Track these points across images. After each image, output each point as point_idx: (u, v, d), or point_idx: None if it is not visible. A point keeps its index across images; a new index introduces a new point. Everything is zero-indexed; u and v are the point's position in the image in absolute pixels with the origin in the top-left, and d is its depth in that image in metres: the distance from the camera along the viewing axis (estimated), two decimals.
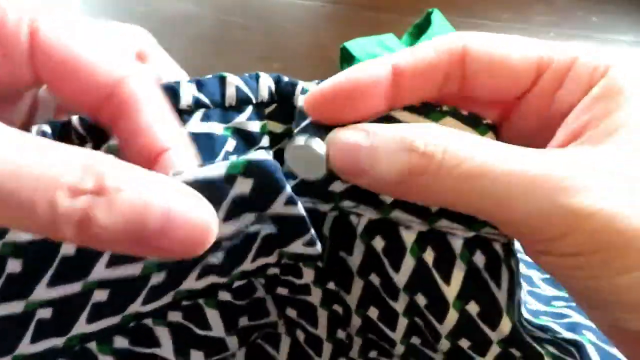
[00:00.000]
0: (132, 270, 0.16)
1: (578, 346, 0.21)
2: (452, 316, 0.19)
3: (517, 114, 0.18)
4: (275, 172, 0.15)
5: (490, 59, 0.17)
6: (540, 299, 0.26)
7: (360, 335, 0.22)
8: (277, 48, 0.55)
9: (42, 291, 0.16)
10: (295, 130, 0.18)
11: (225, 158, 0.20)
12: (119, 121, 0.16)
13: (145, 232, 0.12)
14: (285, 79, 0.21)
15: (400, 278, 0.19)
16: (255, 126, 0.21)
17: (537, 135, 0.18)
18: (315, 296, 0.20)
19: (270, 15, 0.60)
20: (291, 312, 0.21)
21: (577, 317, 0.24)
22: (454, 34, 0.18)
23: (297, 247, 0.18)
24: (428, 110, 0.18)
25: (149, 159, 0.16)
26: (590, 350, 0.21)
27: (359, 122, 0.17)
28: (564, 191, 0.14)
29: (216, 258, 0.17)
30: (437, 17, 0.51)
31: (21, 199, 0.11)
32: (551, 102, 0.17)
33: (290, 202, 0.16)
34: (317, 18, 0.61)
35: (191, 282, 0.18)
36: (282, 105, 0.21)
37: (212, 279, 0.18)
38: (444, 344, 0.20)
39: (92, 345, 0.18)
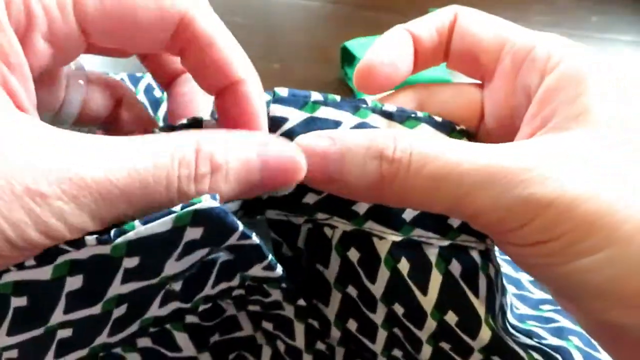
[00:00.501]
0: (91, 311, 0.16)
1: (563, 352, 0.21)
2: (431, 324, 0.19)
3: (490, 107, 0.20)
4: (226, 218, 0.15)
5: (469, 35, 0.20)
6: (528, 302, 0.26)
7: (342, 345, 0.22)
8: (277, 48, 0.55)
9: (2, 339, 0.16)
10: None
11: None
12: (190, 55, 0.17)
13: (255, 184, 0.16)
14: None
15: (377, 289, 0.19)
16: None
17: (507, 133, 0.18)
18: (288, 311, 0.20)
19: (270, 15, 0.60)
20: (267, 325, 0.21)
21: (564, 322, 0.24)
22: (448, 8, 0.21)
23: (257, 271, 0.18)
24: (403, 117, 0.18)
25: (224, 88, 0.17)
26: (576, 356, 0.21)
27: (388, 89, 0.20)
28: (522, 183, 0.15)
29: (176, 285, 0.17)
30: None
31: (154, 197, 0.14)
32: (514, 87, 0.18)
33: (243, 237, 0.16)
34: (317, 18, 0.61)
35: (155, 310, 0.18)
36: None
37: (176, 304, 0.18)
38: (425, 353, 0.20)
39: None
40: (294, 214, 0.19)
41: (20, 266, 0.15)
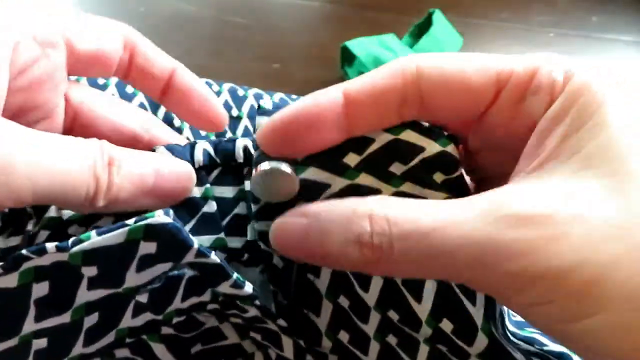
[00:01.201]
0: (61, 319, 0.17)
1: (566, 358, 0.21)
2: (426, 331, 0.19)
3: (483, 127, 0.18)
4: (179, 234, 0.15)
5: (445, 77, 0.17)
6: None
7: (335, 354, 0.22)
8: (277, 48, 0.55)
9: None
10: (255, 156, 0.18)
11: None
12: (133, 63, 0.22)
13: (146, 187, 0.18)
14: (224, 139, 0.21)
15: (370, 297, 0.19)
16: (195, 192, 0.20)
17: (506, 144, 0.18)
18: (272, 325, 0.20)
19: (270, 15, 0.60)
20: (255, 336, 0.21)
21: None
22: (404, 57, 0.17)
23: (225, 288, 0.18)
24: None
25: (167, 78, 0.22)
26: None
27: (314, 152, 0.17)
28: (513, 258, 0.14)
29: (142, 298, 0.18)
30: (438, 17, 0.51)
31: (73, 178, 0.16)
32: (516, 115, 0.17)
33: (201, 255, 0.16)
34: (317, 18, 0.61)
35: (128, 321, 0.18)
36: (225, 167, 0.20)
37: (148, 316, 0.18)
38: (422, 355, 0.20)
39: None
40: None
41: None
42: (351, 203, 0.16)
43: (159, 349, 0.19)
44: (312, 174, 0.18)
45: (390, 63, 0.17)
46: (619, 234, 0.14)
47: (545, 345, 0.21)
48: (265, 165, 0.17)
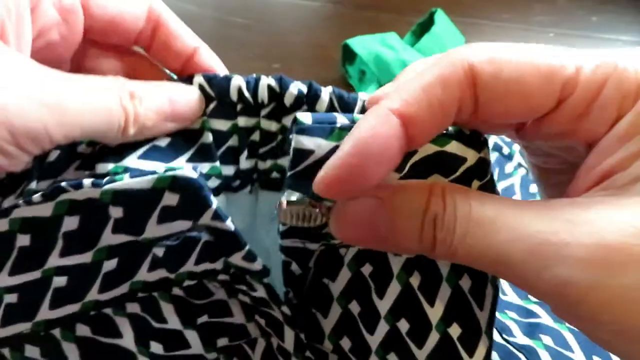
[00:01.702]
0: (83, 259, 0.18)
1: (528, 350, 0.21)
2: (433, 339, 0.19)
3: (537, 131, 0.17)
4: (201, 191, 0.17)
5: (503, 84, 0.15)
6: (518, 290, 0.26)
7: (335, 354, 0.21)
8: (277, 48, 0.55)
9: (5, 279, 0.18)
10: (289, 173, 0.18)
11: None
12: (156, 36, 0.22)
13: (165, 113, 0.19)
14: (219, 75, 0.21)
15: (384, 304, 0.19)
16: (194, 123, 0.21)
17: (561, 152, 0.17)
18: (277, 313, 0.20)
19: (270, 15, 0.60)
20: (260, 320, 0.21)
21: (544, 318, 0.24)
22: (459, 54, 0.15)
23: (237, 260, 0.18)
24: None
25: (188, 56, 0.22)
26: (543, 355, 0.21)
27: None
28: (563, 261, 0.14)
29: (159, 251, 0.18)
30: (440, 16, 0.51)
31: (109, 112, 0.17)
32: (576, 129, 0.15)
33: (216, 217, 0.17)
34: (317, 18, 0.61)
35: (144, 274, 0.19)
36: (220, 102, 0.21)
37: (162, 273, 0.19)
38: None
39: (57, 332, 0.19)
40: (311, 241, 0.19)
41: (29, 202, 0.17)
42: (425, 185, 0.16)
43: (167, 309, 0.20)
44: None
45: (439, 64, 0.15)
46: None
47: (514, 336, 0.22)
48: (292, 195, 0.17)
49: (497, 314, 0.22)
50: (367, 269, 0.19)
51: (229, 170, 0.21)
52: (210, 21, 0.58)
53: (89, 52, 0.22)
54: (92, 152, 0.19)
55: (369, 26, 0.56)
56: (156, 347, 0.20)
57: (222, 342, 0.21)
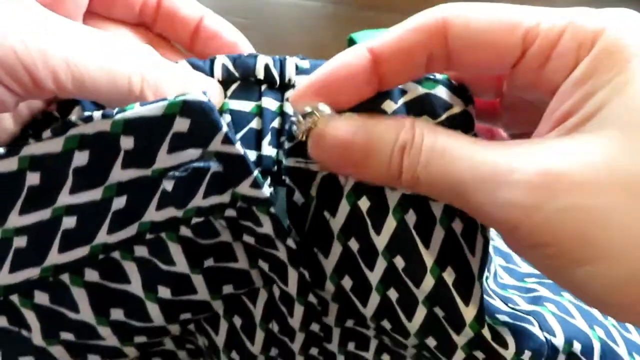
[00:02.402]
0: (93, 195, 0.18)
1: (535, 315, 0.21)
2: (429, 283, 0.19)
3: (512, 85, 0.18)
4: (211, 114, 0.17)
5: (472, 34, 0.16)
6: (514, 274, 0.26)
7: (336, 301, 0.22)
8: (277, 48, 0.55)
9: (15, 218, 0.17)
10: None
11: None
12: (160, 7, 0.22)
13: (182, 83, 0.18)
14: (245, 54, 0.21)
15: (381, 240, 0.19)
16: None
17: (533, 103, 0.18)
18: (282, 252, 0.20)
19: (270, 15, 0.60)
20: (263, 265, 0.21)
21: (543, 292, 0.24)
22: (433, 8, 0.17)
23: (245, 188, 0.18)
24: (422, 79, 0.19)
25: (195, 24, 0.22)
26: (550, 320, 0.22)
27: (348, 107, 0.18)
28: (508, 185, 0.15)
29: (169, 185, 0.18)
30: None
31: (120, 76, 0.17)
32: (539, 78, 0.17)
33: (226, 141, 0.17)
34: (317, 18, 0.61)
35: (152, 213, 0.19)
36: (244, 82, 0.21)
37: (171, 211, 0.19)
38: (418, 319, 0.20)
39: (65, 278, 0.19)
40: (313, 162, 0.19)
41: (38, 138, 0.17)
42: (400, 118, 0.18)
43: (175, 249, 0.20)
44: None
45: (416, 16, 0.17)
46: (626, 183, 0.14)
47: (518, 305, 0.22)
48: (308, 108, 0.18)
49: (499, 290, 0.22)
50: (364, 204, 0.19)
51: (250, 154, 0.20)
52: None
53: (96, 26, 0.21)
54: None
55: (368, 26, 0.56)
56: (164, 292, 0.20)
57: (227, 289, 0.21)
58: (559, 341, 0.21)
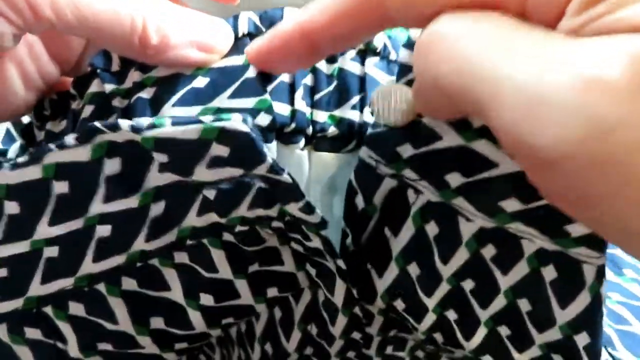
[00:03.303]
0: (130, 203, 0.17)
1: None
2: (500, 302, 0.18)
3: None
4: (254, 145, 0.15)
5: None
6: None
7: (382, 315, 0.21)
8: None
9: (44, 229, 0.17)
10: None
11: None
12: None
13: (193, 36, 0.17)
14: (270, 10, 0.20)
15: (448, 269, 0.18)
16: (237, 60, 0.19)
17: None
18: (331, 264, 0.18)
19: None
20: (311, 270, 0.20)
21: (635, 325, 0.22)
22: None
23: (293, 209, 0.17)
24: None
25: None
26: None
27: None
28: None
29: (210, 194, 0.17)
30: None
31: (124, 26, 0.16)
32: None
33: (273, 171, 0.16)
34: None
35: (192, 219, 0.18)
36: None
37: (213, 217, 0.18)
38: (478, 337, 0.19)
39: (101, 287, 0.18)
40: (383, 162, 0.18)
41: (62, 145, 0.15)
42: None
43: (218, 255, 0.19)
44: (428, 118, 0.16)
45: None
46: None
47: (616, 349, 0.21)
48: (389, 82, 0.17)
49: None
50: (432, 229, 0.18)
51: (282, 108, 0.18)
52: None
53: None
54: (128, 105, 0.18)
55: None
56: (206, 299, 0.19)
57: (272, 292, 0.20)
58: None
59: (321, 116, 0.19)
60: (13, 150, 0.22)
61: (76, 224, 0.17)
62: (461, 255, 0.17)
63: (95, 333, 0.19)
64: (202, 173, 0.16)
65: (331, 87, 0.19)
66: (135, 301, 0.19)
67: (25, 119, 0.21)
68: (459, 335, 0.19)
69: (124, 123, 0.15)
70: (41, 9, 0.15)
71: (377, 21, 0.15)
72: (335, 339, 0.21)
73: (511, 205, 0.16)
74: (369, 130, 0.18)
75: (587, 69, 0.10)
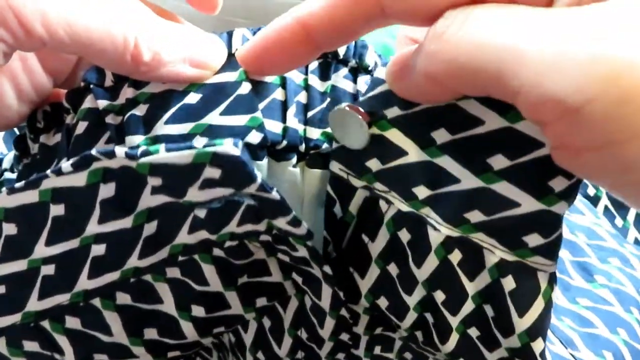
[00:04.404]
0: (124, 224, 0.18)
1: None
2: (468, 307, 0.18)
3: None
4: (245, 167, 0.16)
5: None
6: (567, 291, 0.25)
7: (367, 313, 0.21)
8: None
9: (41, 249, 0.17)
10: (361, 99, 0.18)
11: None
12: None
13: (186, 53, 0.17)
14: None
15: (422, 273, 0.19)
16: (230, 76, 0.19)
17: None
18: (317, 271, 0.19)
19: (270, 15, 0.59)
20: (297, 278, 0.20)
21: (600, 328, 0.23)
22: None
23: (281, 223, 0.18)
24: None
25: None
26: None
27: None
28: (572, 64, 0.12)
29: (201, 213, 0.18)
30: None
31: (116, 43, 0.16)
32: None
33: (262, 189, 0.16)
34: None
35: (184, 236, 0.18)
36: None
37: (203, 234, 0.18)
38: (451, 342, 0.19)
39: (97, 302, 0.19)
40: (354, 175, 0.18)
41: (58, 172, 0.16)
42: None
43: (208, 270, 0.19)
44: (392, 135, 0.17)
45: None
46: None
47: (578, 350, 0.21)
48: (344, 104, 0.17)
49: (556, 321, 0.21)
50: (404, 236, 0.18)
51: (274, 125, 0.19)
52: (211, 21, 0.58)
53: None
54: (121, 122, 0.18)
55: None
56: (198, 310, 0.20)
57: (261, 302, 0.21)
58: None
59: (314, 133, 0.19)
60: (7, 160, 0.22)
61: (72, 244, 0.17)
62: (432, 262, 0.18)
63: (91, 345, 0.20)
64: (194, 194, 0.17)
65: (324, 104, 0.19)
66: (129, 314, 0.20)
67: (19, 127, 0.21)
68: (435, 338, 0.20)
69: (120, 151, 0.16)
70: (32, 26, 0.15)
71: (373, 13, 0.15)
72: (325, 341, 0.21)
73: (475, 216, 0.17)
74: (334, 145, 0.18)
75: (598, 25, 0.12)
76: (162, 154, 0.16)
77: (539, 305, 0.17)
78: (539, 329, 0.17)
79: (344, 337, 0.22)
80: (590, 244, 0.27)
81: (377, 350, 0.23)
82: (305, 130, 0.19)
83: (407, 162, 0.17)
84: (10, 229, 0.17)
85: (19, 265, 0.18)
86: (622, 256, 0.27)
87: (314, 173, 0.20)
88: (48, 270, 0.18)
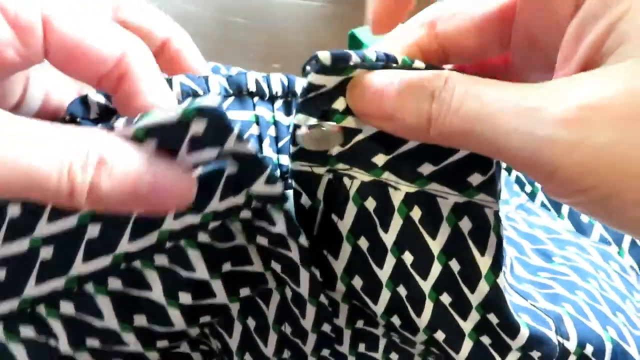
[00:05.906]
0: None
1: (553, 316, 0.22)
2: (436, 270, 0.20)
3: (517, 29, 0.18)
4: (223, 116, 0.17)
5: (460, 18, 0.19)
6: (527, 267, 0.27)
7: (346, 302, 0.23)
8: (277, 48, 0.55)
9: (42, 226, 0.18)
10: (299, 100, 0.19)
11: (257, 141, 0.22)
12: (119, 89, 0.19)
13: (138, 195, 0.16)
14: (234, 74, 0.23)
15: (389, 237, 0.20)
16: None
17: (545, 55, 0.18)
18: (294, 252, 0.20)
19: (270, 15, 0.60)
20: (276, 267, 0.22)
21: (559, 289, 0.24)
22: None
23: (260, 186, 0.19)
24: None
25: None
26: (567, 323, 0.22)
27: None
28: (545, 122, 0.14)
29: None
30: None
31: (40, 175, 0.14)
32: (545, 14, 0.17)
33: (240, 139, 0.17)
34: (317, 18, 0.61)
35: (170, 222, 0.19)
36: (238, 97, 0.22)
37: (188, 219, 0.19)
38: (426, 314, 0.21)
39: (90, 287, 0.20)
40: (317, 164, 0.20)
41: None
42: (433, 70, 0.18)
43: (194, 256, 0.21)
44: (348, 122, 0.19)
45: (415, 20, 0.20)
46: None
47: (538, 302, 0.22)
48: (312, 120, 0.19)
49: (516, 283, 0.23)
50: (370, 204, 0.20)
51: None
52: (210, 21, 0.58)
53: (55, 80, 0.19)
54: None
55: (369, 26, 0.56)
56: (184, 297, 0.21)
57: (245, 292, 0.22)
58: (571, 344, 0.21)
59: (285, 160, 0.22)
60: None
61: (68, 223, 0.18)
62: (397, 222, 0.20)
63: (84, 330, 0.21)
64: (183, 157, 0.17)
65: (289, 136, 0.22)
66: (120, 300, 0.21)
67: None
68: (412, 313, 0.21)
69: (119, 122, 0.17)
70: None
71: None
72: (308, 332, 0.23)
73: (426, 168, 0.19)
74: (292, 149, 0.20)
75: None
76: (155, 116, 0.16)
77: (493, 240, 0.19)
78: (500, 263, 0.20)
79: (326, 328, 0.23)
80: (549, 237, 0.29)
81: (362, 348, 0.24)
82: (278, 158, 0.22)
83: (363, 137, 0.19)
84: (14, 210, 0.18)
85: (21, 246, 0.18)
86: (579, 245, 0.29)
87: (287, 193, 0.22)
88: (46, 252, 0.19)
